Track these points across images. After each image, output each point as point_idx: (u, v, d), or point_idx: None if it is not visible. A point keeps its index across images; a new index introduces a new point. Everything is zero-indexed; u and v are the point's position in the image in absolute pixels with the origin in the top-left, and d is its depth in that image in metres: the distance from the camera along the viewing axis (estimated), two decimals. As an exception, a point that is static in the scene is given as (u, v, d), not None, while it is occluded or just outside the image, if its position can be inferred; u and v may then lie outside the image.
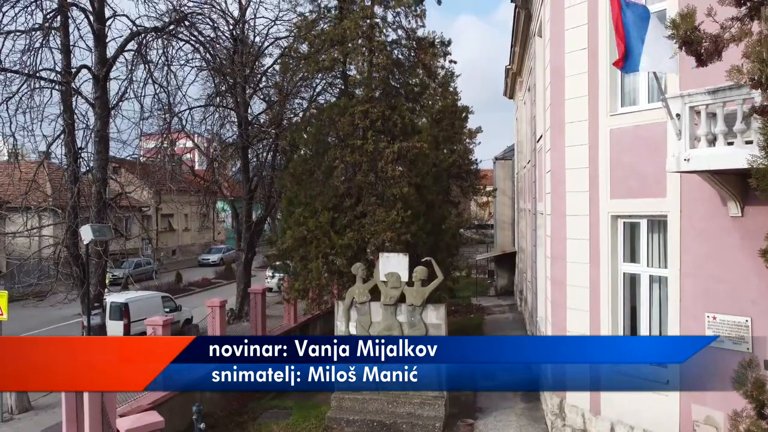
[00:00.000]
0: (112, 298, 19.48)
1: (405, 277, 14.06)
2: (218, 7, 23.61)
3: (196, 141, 29.59)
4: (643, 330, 10.92)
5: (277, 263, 17.08)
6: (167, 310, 22.10)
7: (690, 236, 9.99)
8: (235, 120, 24.01)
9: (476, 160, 34.84)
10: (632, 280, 11.20)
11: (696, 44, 4.31)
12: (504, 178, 35.63)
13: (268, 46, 24.65)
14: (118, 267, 34.27)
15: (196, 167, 36.49)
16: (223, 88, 22.58)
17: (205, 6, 22.82)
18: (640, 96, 10.90)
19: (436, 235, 16.69)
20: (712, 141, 8.44)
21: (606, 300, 11.37)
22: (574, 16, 11.83)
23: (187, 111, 22.60)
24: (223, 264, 47.25)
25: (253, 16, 24.95)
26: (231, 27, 23.45)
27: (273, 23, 24.40)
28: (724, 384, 9.33)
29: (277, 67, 24.38)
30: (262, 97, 26.29)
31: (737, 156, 7.73)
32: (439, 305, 14.13)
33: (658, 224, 10.69)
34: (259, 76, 25.36)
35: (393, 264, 14.13)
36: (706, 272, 9.75)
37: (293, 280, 16.19)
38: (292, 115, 25.25)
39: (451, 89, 34.33)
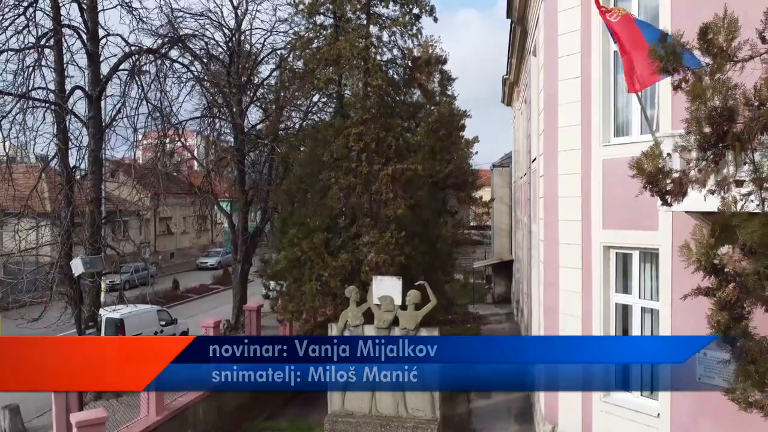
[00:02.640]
0: (108, 313, 19.42)
1: (398, 301, 14.05)
2: (214, 17, 23.62)
3: (193, 143, 29.59)
4: (635, 361, 10.91)
5: (271, 283, 17.05)
6: (163, 323, 22.08)
7: (682, 270, 9.91)
8: (231, 131, 23.93)
9: (473, 169, 34.90)
10: (624, 311, 11.19)
11: (661, 185, 4.31)
12: (502, 186, 35.52)
13: (264, 57, 24.60)
14: (116, 273, 34.16)
15: (195, 167, 36.35)
16: (219, 101, 22.50)
17: (201, 18, 22.83)
18: (633, 127, 10.86)
19: (432, 254, 16.67)
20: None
21: (598, 330, 11.35)
22: (567, 44, 11.77)
23: (183, 123, 22.69)
24: (221, 267, 47.36)
25: (249, 27, 24.75)
26: (227, 39, 23.37)
27: (269, 34, 24.34)
28: (715, 419, 9.38)
29: (273, 79, 24.34)
30: (259, 104, 26.25)
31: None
32: (433, 329, 14.12)
33: (651, 256, 10.66)
34: (255, 86, 25.32)
35: (386, 287, 14.11)
36: (698, 307, 9.69)
37: (287, 301, 16.17)
38: (289, 123, 25.23)
39: (449, 93, 34.40)
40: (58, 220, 16.20)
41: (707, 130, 3.77)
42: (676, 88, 4.10)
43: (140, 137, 16.48)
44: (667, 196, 4.37)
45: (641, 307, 10.84)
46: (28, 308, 15.73)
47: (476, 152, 36.87)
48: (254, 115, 26.79)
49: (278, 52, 23.90)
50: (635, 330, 10.89)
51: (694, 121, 3.84)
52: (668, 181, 4.22)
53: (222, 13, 24.83)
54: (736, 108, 3.58)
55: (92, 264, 10.93)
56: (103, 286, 20.41)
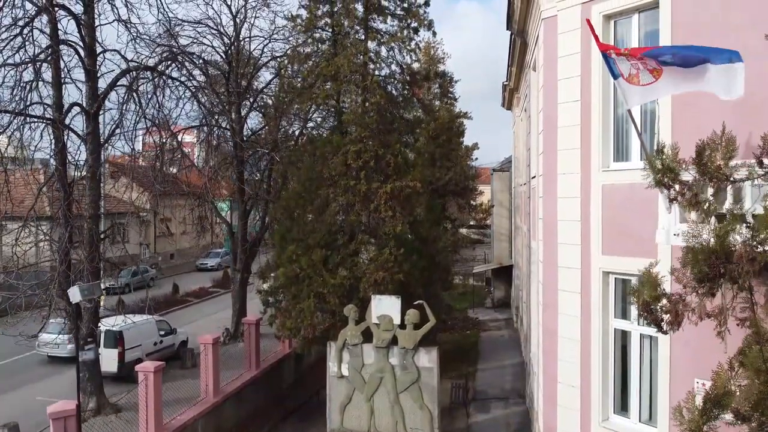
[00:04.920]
0: (107, 325, 19.39)
1: (397, 320, 14.05)
2: (213, 24, 23.53)
3: (193, 141, 29.52)
4: (634, 387, 10.90)
5: (270, 299, 17.02)
6: (162, 333, 22.01)
7: (680, 299, 9.90)
8: (230, 140, 23.85)
9: (473, 167, 34.78)
10: (624, 337, 11.15)
11: (657, 313, 4.28)
12: (502, 190, 35.48)
13: (263, 65, 24.52)
14: (115, 277, 34.06)
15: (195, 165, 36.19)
16: (218, 109, 22.42)
17: (200, 26, 22.75)
18: (633, 153, 10.80)
19: (431, 269, 16.64)
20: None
21: (597, 355, 11.31)
22: (567, 66, 11.67)
23: (182, 131, 22.64)
24: (220, 269, 47.40)
25: (248, 35, 24.65)
26: (226, 48, 23.28)
27: (268, 41, 24.25)
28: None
29: (273, 85, 24.24)
30: (258, 109, 26.15)
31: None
32: (431, 348, 14.11)
33: (650, 283, 10.60)
34: (255, 92, 25.25)
35: (385, 306, 14.11)
36: (697, 338, 9.65)
37: (285, 317, 16.14)
38: (289, 130, 25.16)
39: (450, 95, 34.27)
40: (56, 231, 16.14)
41: (705, 269, 3.76)
42: (672, 200, 4.07)
43: (139, 147, 16.39)
44: (662, 324, 4.35)
45: (640, 334, 10.80)
46: (26, 324, 15.72)
47: (476, 158, 36.84)
48: (254, 119, 26.75)
49: (278, 59, 23.83)
50: (634, 357, 10.86)
51: (691, 254, 3.82)
52: (665, 304, 4.19)
53: (221, 20, 24.66)
54: (733, 247, 3.55)
55: (89, 291, 10.91)
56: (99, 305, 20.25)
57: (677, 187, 4.02)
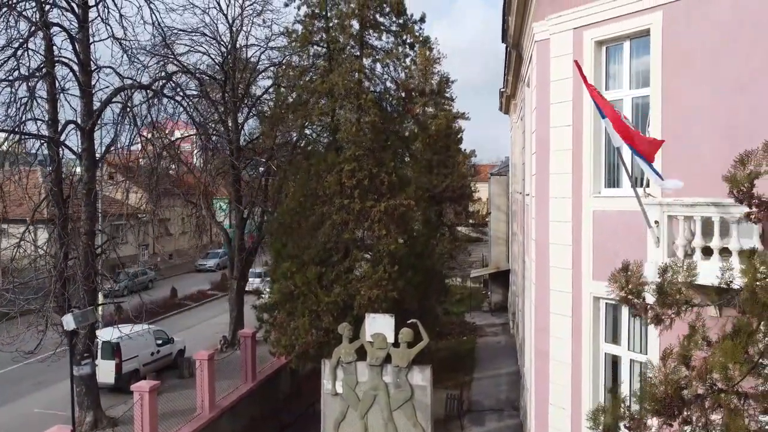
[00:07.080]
0: (104, 337, 19.47)
1: (391, 338, 14.13)
2: (209, 31, 23.51)
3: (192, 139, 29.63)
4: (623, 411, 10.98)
5: (264, 315, 17.08)
6: (159, 342, 22.07)
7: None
8: (227, 151, 23.86)
9: (472, 171, 34.80)
10: (614, 361, 11.23)
11: None
12: (499, 194, 35.48)
13: (260, 72, 24.50)
14: (114, 280, 34.12)
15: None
16: (214, 120, 22.44)
17: (195, 34, 22.73)
18: (624, 181, 10.83)
19: (425, 283, 16.71)
20: (690, 253, 8.44)
21: (587, 378, 11.40)
22: (559, 91, 11.70)
23: (179, 139, 22.65)
24: (219, 269, 47.49)
25: (245, 43, 24.63)
26: (222, 56, 23.28)
27: (265, 49, 24.23)
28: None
29: (270, 94, 24.26)
30: (256, 115, 26.16)
31: (713, 272, 7.73)
32: (425, 367, 14.20)
33: (640, 310, 10.67)
34: (253, 99, 25.26)
35: (379, 324, 14.19)
36: (685, 366, 9.75)
37: (280, 334, 16.23)
38: (286, 137, 25.18)
39: (447, 95, 34.24)
40: (52, 247, 16.19)
41: (660, 408, 3.83)
42: (635, 315, 4.15)
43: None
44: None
45: (630, 359, 10.87)
46: (23, 341, 15.78)
47: (473, 164, 36.74)
48: (252, 123, 26.77)
49: (275, 66, 23.82)
50: (624, 381, 10.94)
51: (648, 389, 3.89)
52: (626, 423, 4.26)
53: (217, 27, 24.61)
54: (688, 392, 3.62)
55: (84, 318, 10.99)
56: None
57: (639, 303, 4.10)
